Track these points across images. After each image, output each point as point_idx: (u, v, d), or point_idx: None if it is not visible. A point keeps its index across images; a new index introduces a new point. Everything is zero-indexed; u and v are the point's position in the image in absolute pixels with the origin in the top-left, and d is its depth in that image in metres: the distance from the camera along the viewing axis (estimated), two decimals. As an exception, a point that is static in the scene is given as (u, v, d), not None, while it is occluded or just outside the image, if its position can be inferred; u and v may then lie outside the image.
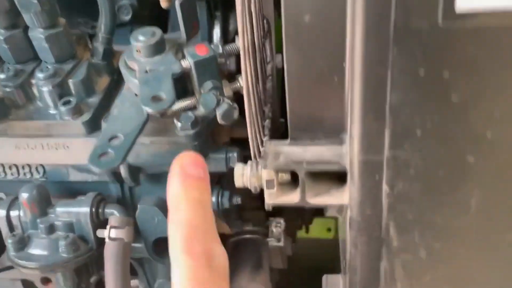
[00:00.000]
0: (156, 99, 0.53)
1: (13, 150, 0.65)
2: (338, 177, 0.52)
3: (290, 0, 0.42)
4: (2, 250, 0.87)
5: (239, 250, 0.87)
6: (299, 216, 1.01)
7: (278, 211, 0.94)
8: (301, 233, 1.25)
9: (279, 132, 0.86)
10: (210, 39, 0.77)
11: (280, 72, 0.83)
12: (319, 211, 1.41)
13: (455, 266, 0.41)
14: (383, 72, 0.37)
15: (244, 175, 0.51)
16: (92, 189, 0.68)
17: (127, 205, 0.70)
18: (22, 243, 0.65)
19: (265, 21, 0.70)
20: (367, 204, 0.46)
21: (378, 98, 0.39)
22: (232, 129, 0.71)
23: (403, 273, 0.43)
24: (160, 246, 0.68)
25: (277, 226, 0.87)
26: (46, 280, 1.01)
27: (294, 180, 0.52)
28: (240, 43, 0.44)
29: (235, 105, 0.54)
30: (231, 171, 0.65)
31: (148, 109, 0.52)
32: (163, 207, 0.65)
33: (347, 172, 0.48)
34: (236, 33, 0.80)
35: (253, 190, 0.52)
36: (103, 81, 0.67)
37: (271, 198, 0.51)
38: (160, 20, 0.78)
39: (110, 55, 0.67)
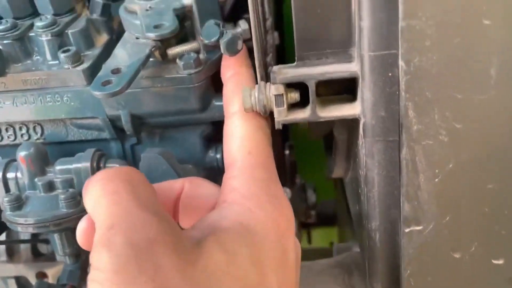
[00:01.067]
0: (158, 26, 0.52)
1: (11, 107, 0.63)
2: (347, 99, 0.51)
3: None
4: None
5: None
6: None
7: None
8: (303, 244, 1.22)
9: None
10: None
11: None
12: (321, 221, 1.38)
13: (480, 150, 0.40)
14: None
15: (252, 96, 0.50)
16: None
17: (129, 164, 0.68)
18: (19, 201, 0.62)
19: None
20: (381, 104, 0.45)
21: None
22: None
23: (425, 162, 0.41)
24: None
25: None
26: (41, 275, 0.96)
27: (302, 101, 0.51)
28: None
29: (240, 34, 0.54)
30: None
31: (151, 35, 0.51)
32: (167, 157, 0.63)
33: (357, 78, 0.47)
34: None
35: (261, 112, 0.51)
36: (102, 38, 0.66)
37: (281, 115, 0.49)
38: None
39: (109, 11, 0.66)
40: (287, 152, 0.92)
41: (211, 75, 0.61)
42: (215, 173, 0.71)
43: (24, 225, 0.61)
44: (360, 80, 0.46)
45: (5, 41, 0.61)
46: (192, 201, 0.52)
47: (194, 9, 0.57)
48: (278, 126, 0.50)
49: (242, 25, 0.61)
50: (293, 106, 0.51)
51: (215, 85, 0.64)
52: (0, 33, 0.61)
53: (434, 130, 0.39)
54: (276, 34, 0.83)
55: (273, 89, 0.49)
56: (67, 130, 0.66)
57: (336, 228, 1.42)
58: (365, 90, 0.45)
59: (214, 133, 0.68)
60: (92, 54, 0.63)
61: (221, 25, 0.56)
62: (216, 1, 0.58)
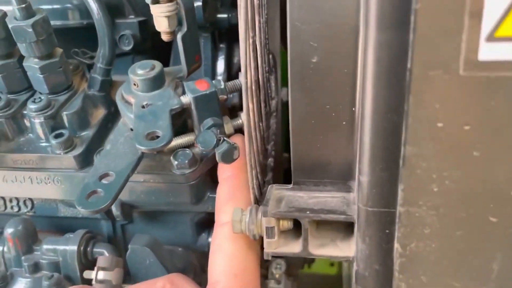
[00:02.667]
0: (151, 136, 0.50)
1: (1, 183, 0.61)
2: (345, 226, 0.48)
3: (297, 41, 0.40)
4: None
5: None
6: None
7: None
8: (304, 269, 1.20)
9: (283, 167, 0.83)
10: (213, 73, 0.75)
11: (285, 106, 0.80)
12: None
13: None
14: (396, 121, 0.34)
15: (242, 222, 0.48)
16: (83, 226, 0.64)
17: (119, 243, 0.67)
18: (4, 281, 0.61)
19: (270, 56, 0.67)
20: (375, 259, 0.42)
21: (390, 148, 0.36)
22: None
23: None
24: (151, 290, 0.64)
25: (277, 268, 0.83)
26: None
27: (296, 227, 0.48)
28: (243, 82, 0.42)
29: (236, 145, 0.51)
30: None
31: (142, 148, 0.48)
32: (154, 248, 0.61)
33: (354, 223, 0.44)
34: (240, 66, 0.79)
35: (251, 238, 0.48)
36: (99, 113, 0.64)
37: (271, 247, 0.47)
38: (163, 51, 0.76)
39: (108, 87, 0.64)
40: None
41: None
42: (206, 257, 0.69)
43: (6, 309, 0.60)
44: (356, 228, 0.43)
45: (-2, 120, 0.59)
46: None
47: (193, 107, 0.55)
48: (267, 257, 0.48)
49: (243, 117, 0.59)
50: (284, 232, 0.48)
51: (211, 176, 0.62)
52: (-7, 112, 0.59)
53: (427, 314, 0.37)
54: (284, 90, 0.80)
55: (265, 221, 0.46)
56: (58, 207, 0.64)
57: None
58: (359, 241, 0.43)
59: (207, 218, 0.66)
60: (86, 136, 0.61)
61: (218, 130, 0.54)
62: (215, 99, 0.55)
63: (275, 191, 0.49)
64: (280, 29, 0.74)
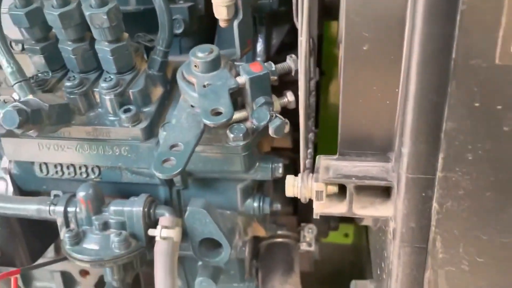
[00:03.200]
0: (215, 112, 0.57)
1: (73, 152, 0.69)
2: (381, 192, 0.56)
3: (351, 31, 0.46)
4: (49, 244, 0.93)
5: (272, 252, 0.92)
6: (327, 223, 1.05)
7: (308, 217, 0.99)
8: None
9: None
10: (254, 54, 0.82)
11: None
12: (344, 218, 1.44)
13: (497, 281, 0.45)
14: (439, 101, 0.41)
15: (295, 186, 0.56)
16: (143, 191, 0.72)
17: (175, 207, 0.75)
18: (78, 238, 0.70)
19: (310, 40, 0.74)
20: (412, 217, 0.50)
21: (432, 124, 0.43)
22: (273, 140, 0.76)
23: (446, 283, 0.47)
24: (205, 246, 0.73)
25: (309, 232, 0.92)
26: (84, 273, 1.07)
27: (341, 192, 0.56)
28: (301, 70, 0.49)
29: (287, 120, 0.59)
30: (274, 179, 0.69)
31: (209, 122, 0.56)
32: (209, 210, 0.69)
33: (393, 188, 0.52)
34: (278, 48, 0.85)
35: (302, 200, 0.56)
36: (158, 91, 0.71)
37: (320, 208, 0.55)
38: (206, 33, 0.83)
39: (165, 67, 0.71)
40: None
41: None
42: (252, 219, 0.78)
43: (82, 261, 0.69)
44: (395, 191, 0.51)
45: (72, 96, 0.67)
46: None
47: (247, 87, 0.62)
48: (316, 216, 0.56)
49: (289, 96, 0.66)
50: (329, 196, 0.56)
51: (256, 147, 0.69)
52: (68, 89, 0.67)
53: (457, 260, 0.44)
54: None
55: (315, 186, 0.54)
56: (122, 174, 0.73)
57: (352, 226, 1.47)
58: (398, 203, 0.50)
59: (251, 186, 0.74)
60: (149, 111, 0.68)
61: (270, 108, 0.61)
62: (268, 81, 0.62)
63: (322, 160, 0.56)
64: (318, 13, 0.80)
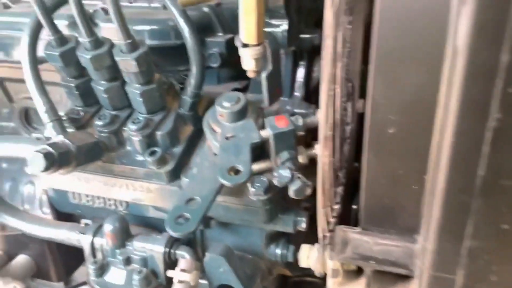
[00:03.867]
0: (233, 171, 0.55)
1: (103, 186, 0.71)
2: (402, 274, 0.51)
3: (377, 113, 0.42)
4: (82, 259, 0.96)
5: (298, 291, 0.89)
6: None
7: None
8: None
9: (352, 178, 0.86)
10: (292, 88, 0.79)
11: (359, 116, 0.82)
12: None
13: None
14: (466, 202, 0.37)
15: (309, 258, 0.53)
16: (167, 226, 0.72)
17: (197, 244, 0.75)
18: (102, 269, 0.72)
19: (350, 85, 0.69)
20: (431, 315, 0.45)
21: (455, 225, 0.39)
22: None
23: None
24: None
25: (338, 276, 0.88)
26: None
27: (359, 268, 0.52)
28: (321, 131, 0.45)
29: (308, 182, 0.56)
30: (297, 231, 0.66)
31: (225, 182, 0.54)
32: (228, 257, 0.68)
33: (414, 277, 0.48)
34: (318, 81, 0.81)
35: (317, 274, 0.53)
36: (187, 130, 0.71)
37: (335, 286, 0.52)
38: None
39: (196, 107, 0.70)
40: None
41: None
42: (274, 264, 0.76)
43: (103, 294, 0.71)
44: (417, 284, 0.47)
45: (102, 134, 0.68)
46: None
47: (271, 141, 0.59)
48: (330, 293, 0.53)
49: (317, 148, 0.62)
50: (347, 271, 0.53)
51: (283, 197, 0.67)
52: (99, 128, 0.68)
53: None
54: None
55: (331, 264, 0.51)
56: (148, 209, 0.73)
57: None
58: (419, 295, 0.46)
59: (276, 232, 0.72)
60: (176, 152, 0.68)
61: (293, 164, 0.58)
62: (293, 137, 0.59)
63: (341, 232, 0.53)
64: (361, 52, 0.75)
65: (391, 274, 0.51)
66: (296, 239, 0.75)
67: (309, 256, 0.53)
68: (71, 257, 0.90)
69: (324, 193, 0.51)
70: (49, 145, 0.60)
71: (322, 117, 0.48)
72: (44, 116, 0.63)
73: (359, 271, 0.52)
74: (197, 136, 0.72)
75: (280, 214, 0.66)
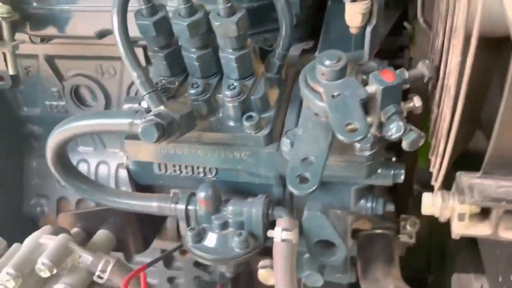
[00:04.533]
0: (349, 128, 0.56)
1: (195, 155, 0.72)
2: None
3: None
4: (158, 230, 0.98)
5: (372, 243, 0.92)
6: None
7: (404, 208, 0.98)
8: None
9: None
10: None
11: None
12: None
13: None
14: None
15: (434, 205, 0.55)
16: (256, 190, 0.74)
17: (287, 206, 0.76)
18: (199, 236, 0.73)
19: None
20: None
21: None
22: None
23: None
24: (319, 246, 0.74)
25: (413, 225, 0.91)
26: (184, 252, 1.13)
27: (482, 212, 0.54)
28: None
29: (423, 133, 0.57)
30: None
31: (345, 139, 0.55)
32: (327, 214, 0.70)
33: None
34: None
35: (441, 220, 0.55)
36: (274, 94, 0.71)
37: (461, 229, 0.54)
38: (314, 23, 0.81)
39: (282, 69, 0.70)
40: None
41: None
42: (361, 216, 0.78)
43: (204, 258, 0.73)
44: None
45: (196, 103, 0.68)
46: None
47: (378, 97, 0.60)
48: (455, 237, 0.55)
49: (417, 101, 0.64)
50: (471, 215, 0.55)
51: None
52: (192, 97, 0.68)
53: None
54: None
55: (459, 208, 0.53)
56: (238, 174, 0.74)
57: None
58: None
59: (365, 187, 0.74)
60: (268, 117, 0.68)
61: (400, 118, 0.59)
62: (400, 90, 0.60)
63: (464, 178, 0.54)
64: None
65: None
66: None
67: (433, 204, 0.55)
68: (148, 228, 0.92)
69: (449, 141, 0.52)
70: (155, 115, 0.61)
71: (455, 67, 0.48)
72: (141, 88, 0.63)
73: (482, 214, 0.54)
74: (284, 99, 0.73)
75: (380, 169, 0.68)
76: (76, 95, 1.04)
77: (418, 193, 1.02)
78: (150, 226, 0.91)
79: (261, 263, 0.99)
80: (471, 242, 0.78)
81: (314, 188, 0.56)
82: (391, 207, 0.75)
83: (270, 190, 0.76)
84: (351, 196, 0.74)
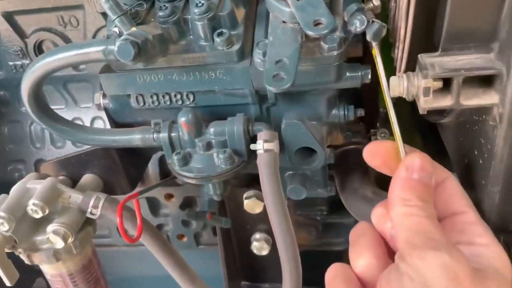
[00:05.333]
0: (317, 23, 0.60)
1: (172, 81, 0.74)
2: (482, 82, 0.59)
3: None
4: (143, 171, 1.00)
5: (347, 158, 0.97)
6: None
7: (373, 123, 1.04)
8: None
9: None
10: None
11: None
12: None
13: None
14: None
15: (400, 86, 0.59)
16: (234, 111, 0.77)
17: (265, 121, 0.80)
18: (185, 159, 0.76)
19: None
20: (522, 100, 0.54)
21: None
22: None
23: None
24: (298, 156, 0.79)
25: (383, 136, 0.97)
26: (169, 196, 1.16)
27: (443, 87, 0.59)
28: None
29: (384, 24, 0.61)
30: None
31: (313, 33, 0.59)
32: (304, 121, 0.74)
33: (499, 75, 0.55)
34: None
35: (408, 98, 0.60)
36: (241, 12, 0.74)
37: (427, 104, 0.59)
38: None
39: (247, -13, 0.73)
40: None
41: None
42: (334, 128, 0.83)
43: (192, 178, 0.76)
44: (504, 78, 0.55)
45: (165, 25, 0.70)
46: (445, 200, 0.57)
47: (340, -5, 0.63)
48: (423, 112, 0.60)
49: (375, 1, 0.68)
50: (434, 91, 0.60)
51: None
52: (161, 19, 0.69)
53: None
54: None
55: (423, 83, 0.58)
56: (215, 97, 0.77)
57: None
58: (509, 87, 0.54)
59: (336, 95, 0.78)
60: (238, 33, 0.71)
61: (366, 14, 0.63)
62: (359, -13, 0.64)
63: (426, 58, 0.59)
64: None
65: (472, 85, 0.59)
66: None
67: (400, 84, 0.59)
68: (133, 168, 0.94)
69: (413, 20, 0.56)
70: (129, 34, 0.62)
71: None
72: (111, 12, 0.64)
73: (444, 89, 0.59)
74: (250, 18, 0.75)
75: (348, 71, 0.72)
76: (40, 51, 1.03)
77: (384, 114, 1.08)
78: (134, 165, 0.93)
79: (246, 194, 1.03)
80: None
81: (289, 84, 0.60)
82: (361, 112, 0.80)
83: (248, 109, 0.79)
84: (323, 106, 0.78)
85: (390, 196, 0.54)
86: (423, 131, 0.99)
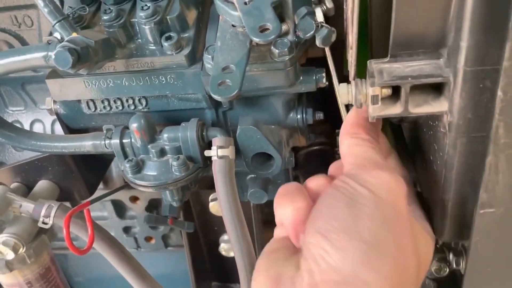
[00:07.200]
0: (263, 29, 0.58)
1: (121, 86, 0.71)
2: (433, 89, 0.58)
3: None
4: (101, 177, 0.98)
5: (311, 159, 0.96)
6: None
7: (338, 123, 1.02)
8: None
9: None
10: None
11: None
12: None
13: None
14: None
15: (349, 93, 0.58)
16: (190, 116, 0.75)
17: (222, 127, 0.78)
18: (138, 166, 0.74)
19: None
20: (469, 109, 0.52)
21: (491, 14, 0.44)
22: (308, 51, 0.76)
23: (506, 165, 0.50)
24: (256, 161, 0.77)
25: (347, 136, 0.95)
26: (134, 199, 1.14)
27: (393, 95, 0.58)
28: None
29: (333, 29, 0.59)
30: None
31: (258, 40, 0.57)
32: (259, 126, 0.72)
33: (447, 83, 0.54)
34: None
35: (357, 106, 0.58)
36: (192, 14, 0.71)
37: (376, 111, 0.57)
38: None
39: (196, -11, 0.70)
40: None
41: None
42: (295, 131, 0.81)
43: (145, 186, 0.74)
44: (451, 86, 0.53)
45: (111, 29, 0.67)
46: None
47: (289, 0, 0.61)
48: (372, 120, 0.58)
49: (328, 3, 0.66)
50: (383, 99, 0.58)
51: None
52: (106, 23, 0.66)
53: (517, 144, 0.48)
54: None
55: (371, 91, 0.56)
56: (169, 101, 0.75)
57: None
58: (455, 96, 0.53)
59: (293, 99, 0.76)
60: (188, 37, 0.68)
61: (313, 18, 0.61)
62: (309, -10, 0.61)
63: (374, 65, 0.57)
64: None
65: (422, 92, 0.58)
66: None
67: (348, 92, 0.58)
68: (90, 173, 0.91)
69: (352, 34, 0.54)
70: (68, 41, 0.59)
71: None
72: (51, 16, 0.61)
73: (393, 96, 0.58)
74: (202, 20, 0.73)
75: (302, 75, 0.70)
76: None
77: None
78: (92, 170, 0.90)
79: (211, 196, 1.01)
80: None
81: (235, 92, 0.58)
82: (320, 115, 0.78)
83: (203, 114, 0.77)
84: (280, 110, 0.76)
85: (341, 133, 0.61)
86: (394, 126, 0.98)
